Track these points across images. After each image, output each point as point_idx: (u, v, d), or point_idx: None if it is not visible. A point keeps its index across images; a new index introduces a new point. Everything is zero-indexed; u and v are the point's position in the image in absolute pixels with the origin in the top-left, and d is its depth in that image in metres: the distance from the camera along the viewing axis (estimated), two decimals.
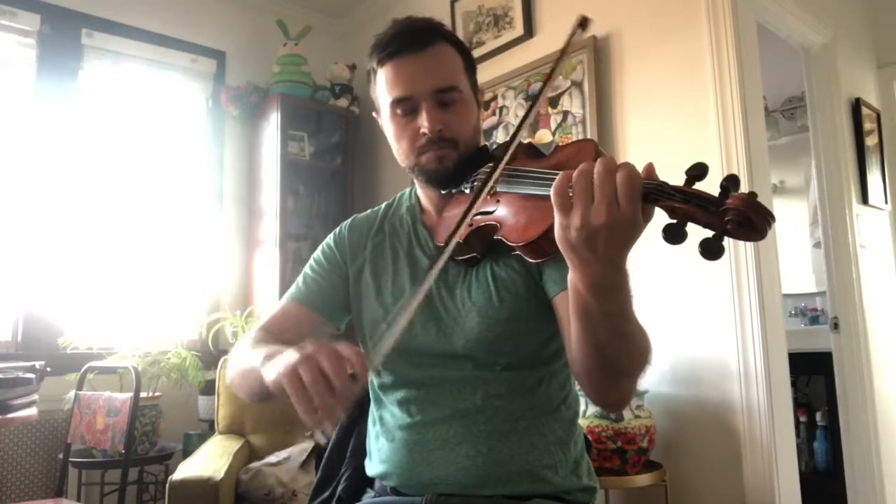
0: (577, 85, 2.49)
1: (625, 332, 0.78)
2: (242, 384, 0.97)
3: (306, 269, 1.16)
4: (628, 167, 0.66)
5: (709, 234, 0.64)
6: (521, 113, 2.69)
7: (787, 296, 2.89)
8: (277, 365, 0.74)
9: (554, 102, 2.57)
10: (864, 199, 2.96)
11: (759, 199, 0.63)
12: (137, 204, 3.07)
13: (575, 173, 0.68)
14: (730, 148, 2.07)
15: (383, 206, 1.19)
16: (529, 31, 2.73)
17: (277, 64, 3.29)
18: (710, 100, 2.14)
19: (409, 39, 1.00)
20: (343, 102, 3.39)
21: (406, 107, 1.01)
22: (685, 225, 0.65)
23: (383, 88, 1.03)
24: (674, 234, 0.65)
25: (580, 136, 2.46)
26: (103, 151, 3.01)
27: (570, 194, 0.68)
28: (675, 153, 2.17)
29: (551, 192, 0.70)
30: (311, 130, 3.41)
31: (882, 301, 2.93)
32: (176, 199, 3.19)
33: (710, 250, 0.64)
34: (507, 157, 0.88)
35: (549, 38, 2.66)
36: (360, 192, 3.44)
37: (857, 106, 2.98)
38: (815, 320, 3.50)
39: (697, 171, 0.66)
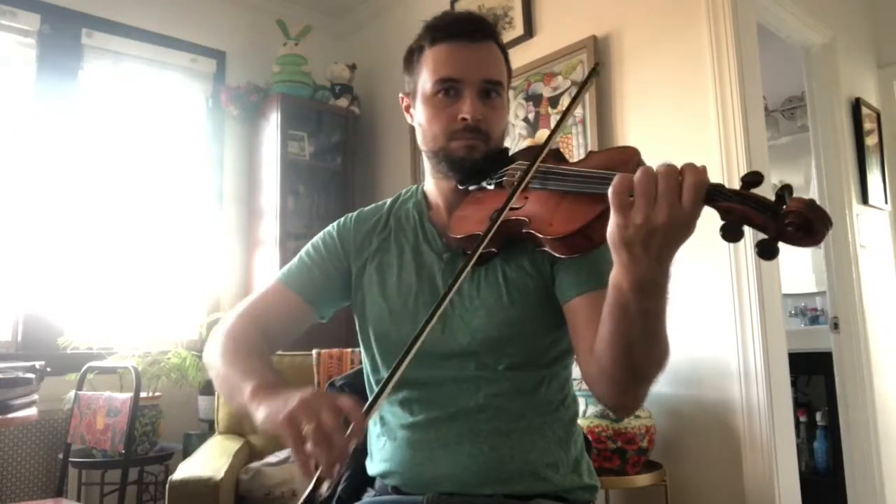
0: (577, 85, 2.48)
1: (655, 334, 0.79)
2: (221, 385, 0.98)
3: (303, 253, 1.15)
4: (696, 169, 0.69)
5: (763, 236, 0.67)
6: (522, 113, 2.69)
7: (787, 296, 2.89)
8: (275, 410, 0.77)
9: (554, 102, 2.57)
10: (864, 199, 2.96)
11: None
12: (137, 204, 3.07)
13: (639, 173, 0.70)
14: (730, 148, 2.07)
15: (388, 200, 1.18)
16: (529, 31, 2.73)
17: (277, 64, 3.29)
18: (710, 100, 2.13)
19: (471, 28, 1.03)
20: (343, 102, 3.39)
21: (450, 89, 1.02)
22: (741, 225, 0.68)
23: (430, 66, 1.03)
24: (731, 232, 0.68)
25: (580, 137, 2.46)
26: (103, 151, 3.01)
27: (631, 195, 0.70)
28: (675, 153, 2.14)
29: (610, 190, 0.71)
30: (311, 130, 3.41)
31: (882, 301, 2.93)
32: (176, 199, 3.19)
33: (767, 251, 0.67)
34: (542, 153, 0.92)
35: (549, 38, 2.66)
36: (360, 192, 3.44)
37: (857, 106, 2.98)
38: (815, 320, 3.51)
39: (754, 178, 0.68)
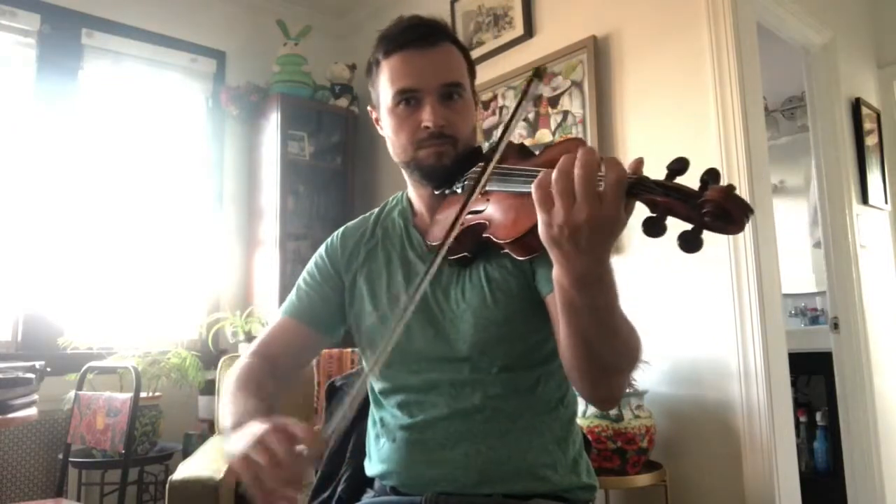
0: (577, 85, 2.49)
1: (611, 326, 0.77)
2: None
3: (300, 282, 1.15)
4: (615, 164, 0.66)
5: (688, 227, 0.64)
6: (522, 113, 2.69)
7: (787, 296, 2.89)
8: (233, 452, 0.75)
9: (554, 102, 2.57)
10: (864, 199, 2.96)
11: (738, 191, 0.62)
12: (137, 204, 3.07)
13: (555, 170, 0.67)
14: (730, 148, 2.07)
15: (375, 211, 1.18)
16: (529, 31, 2.73)
17: (277, 64, 3.29)
18: (710, 100, 2.13)
19: (420, 35, 1.02)
20: (343, 102, 3.39)
21: (409, 99, 1.01)
22: (665, 218, 0.65)
23: (387, 79, 1.03)
24: (653, 228, 0.64)
25: (580, 137, 2.46)
26: (103, 151, 3.01)
27: (553, 191, 0.67)
28: (675, 153, 2.14)
29: (532, 188, 0.69)
30: (311, 130, 3.41)
31: (882, 301, 2.93)
32: (176, 200, 3.19)
33: (689, 243, 0.63)
34: (496, 156, 0.88)
35: (549, 38, 2.66)
36: (360, 192, 3.44)
37: (857, 106, 2.98)
38: (815, 320, 3.50)
39: (678, 166, 0.66)
